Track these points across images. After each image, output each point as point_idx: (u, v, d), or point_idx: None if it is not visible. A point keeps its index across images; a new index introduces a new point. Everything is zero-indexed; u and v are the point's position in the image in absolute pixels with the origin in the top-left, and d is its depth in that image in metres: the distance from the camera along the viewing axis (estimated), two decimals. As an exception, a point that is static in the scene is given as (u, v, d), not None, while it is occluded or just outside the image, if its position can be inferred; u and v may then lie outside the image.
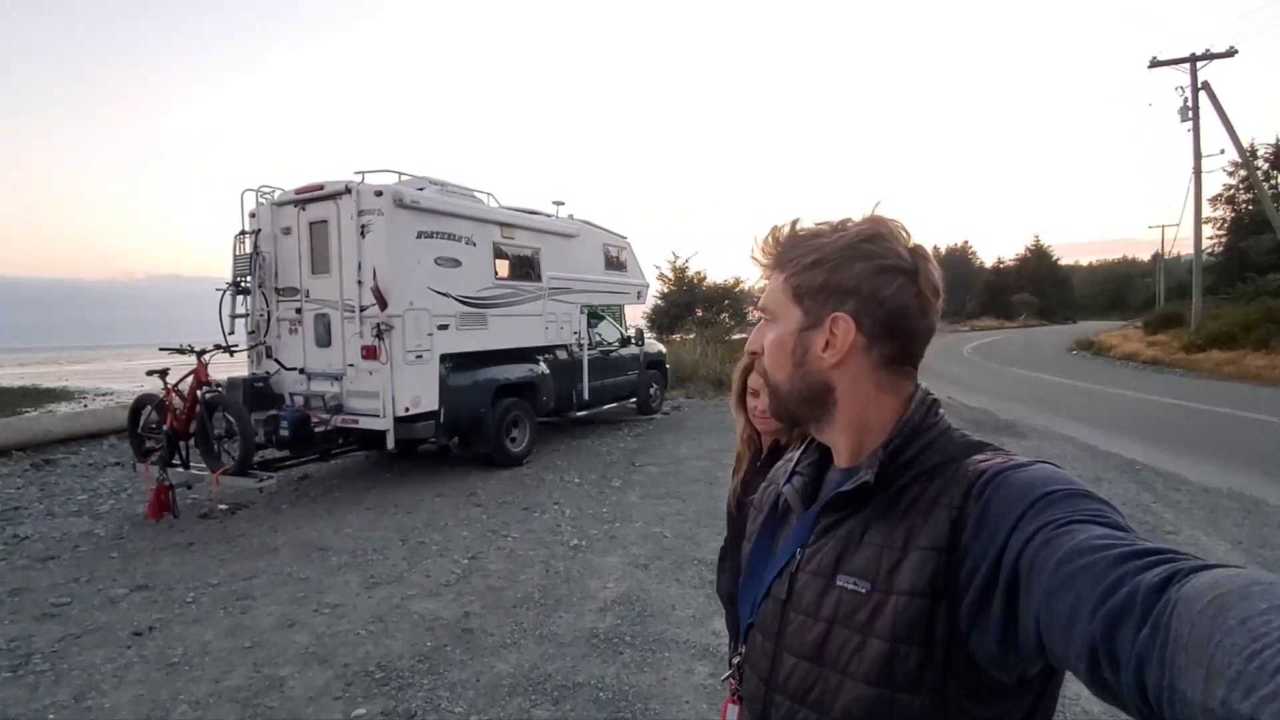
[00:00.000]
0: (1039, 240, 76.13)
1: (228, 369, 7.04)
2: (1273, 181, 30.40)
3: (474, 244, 6.87)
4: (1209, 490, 6.02)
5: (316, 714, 2.82)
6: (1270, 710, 0.35)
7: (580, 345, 8.57)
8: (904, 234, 0.75)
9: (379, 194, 5.96)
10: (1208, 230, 33.67)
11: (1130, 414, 10.57)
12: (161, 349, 5.74)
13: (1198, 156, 20.16)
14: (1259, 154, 30.23)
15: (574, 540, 4.96)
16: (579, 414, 8.91)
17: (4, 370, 27.66)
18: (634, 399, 10.39)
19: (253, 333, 6.69)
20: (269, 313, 6.65)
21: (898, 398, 0.75)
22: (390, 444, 6.09)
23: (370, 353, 5.99)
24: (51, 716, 2.83)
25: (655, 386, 10.86)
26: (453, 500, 6.07)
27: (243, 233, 6.72)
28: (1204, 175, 20.36)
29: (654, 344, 11.71)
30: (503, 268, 7.38)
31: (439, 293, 6.45)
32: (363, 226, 5.98)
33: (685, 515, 5.52)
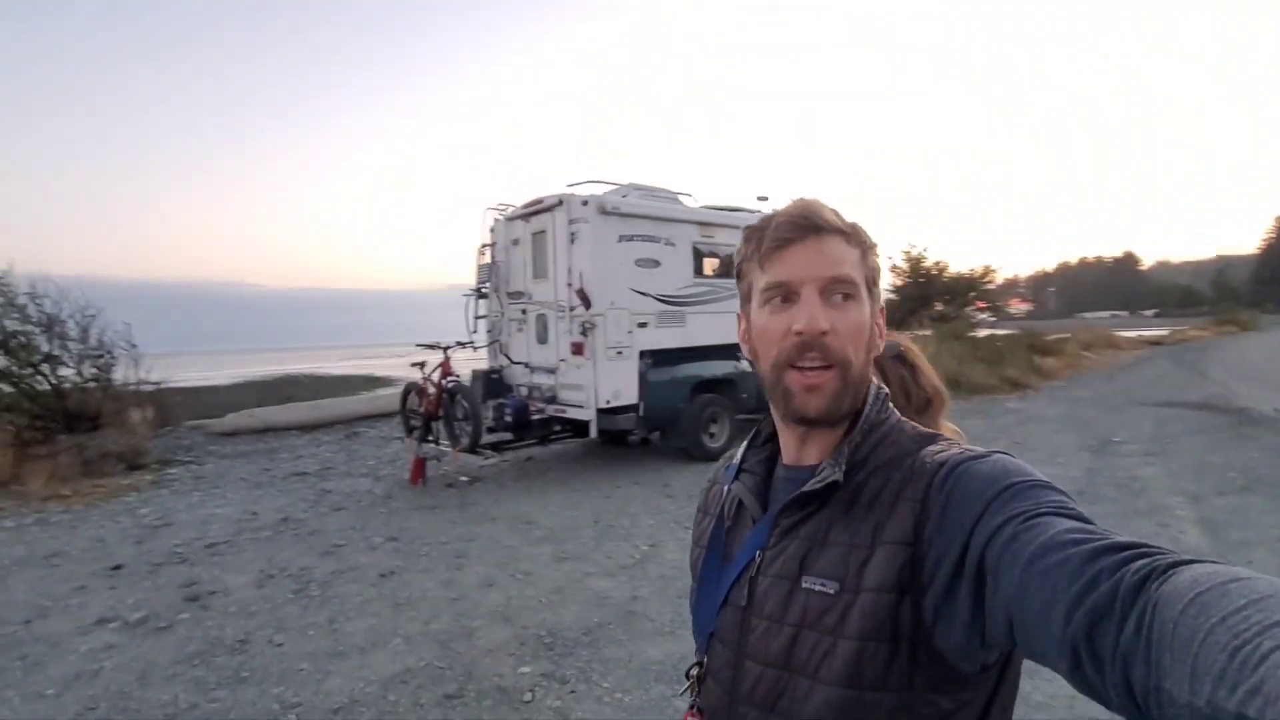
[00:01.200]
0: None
1: (475, 363, 8.27)
2: None
3: (673, 244, 7.12)
4: None
5: (492, 665, 3.22)
6: (1255, 704, 0.35)
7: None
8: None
9: (585, 203, 6.50)
10: None
11: None
12: (418, 345, 6.95)
13: None
14: None
15: (753, 539, 4.90)
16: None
17: (350, 361, 35.56)
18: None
19: (490, 331, 7.75)
20: (502, 314, 7.66)
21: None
22: (593, 433, 6.62)
23: (577, 349, 6.57)
24: (311, 632, 3.63)
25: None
26: (647, 489, 6.39)
27: (483, 245, 7.83)
28: None
29: (892, 341, 10.91)
30: (702, 267, 7.53)
31: (639, 292, 6.83)
32: (572, 234, 6.58)
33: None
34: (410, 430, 7.14)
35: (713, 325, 7.58)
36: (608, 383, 6.57)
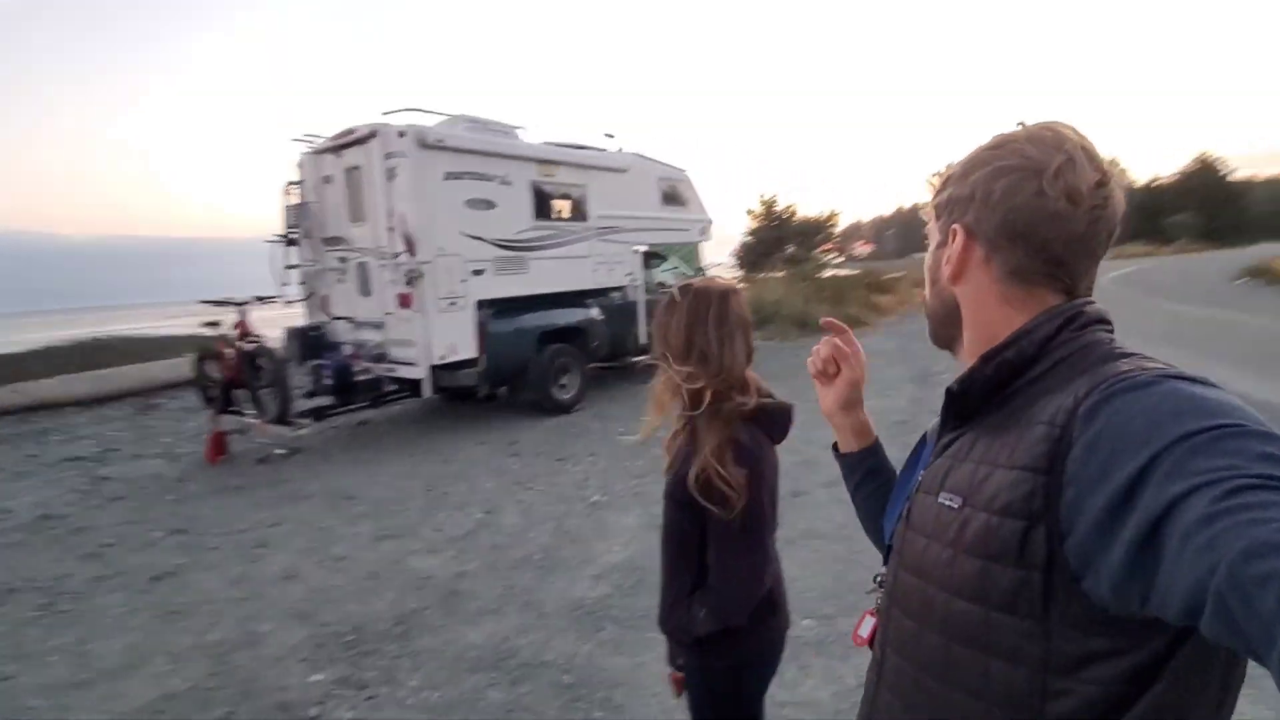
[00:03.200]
0: (1206, 152, 65.56)
1: (290, 320, 7.28)
2: None
3: (509, 184, 6.54)
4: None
5: (277, 677, 2.76)
6: None
7: (636, 286, 8.13)
8: (1051, 136, 0.68)
9: (402, 135, 5.73)
10: None
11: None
12: (203, 302, 5.94)
13: None
14: None
15: (596, 496, 4.70)
16: (637, 359, 8.57)
17: (177, 320, 31.18)
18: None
19: (305, 283, 6.81)
20: (318, 263, 6.73)
21: (1029, 314, 0.69)
22: (427, 392, 6.06)
23: (404, 301, 5.90)
24: (53, 659, 2.95)
25: (725, 329, 10.28)
26: (492, 449, 6.00)
27: (289, 184, 6.78)
28: None
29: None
30: (545, 208, 7.03)
31: (472, 236, 6.23)
32: (390, 170, 5.81)
33: (722, 471, 5.11)
34: (208, 401, 6.17)
35: (560, 271, 7.16)
36: (441, 336, 5.99)
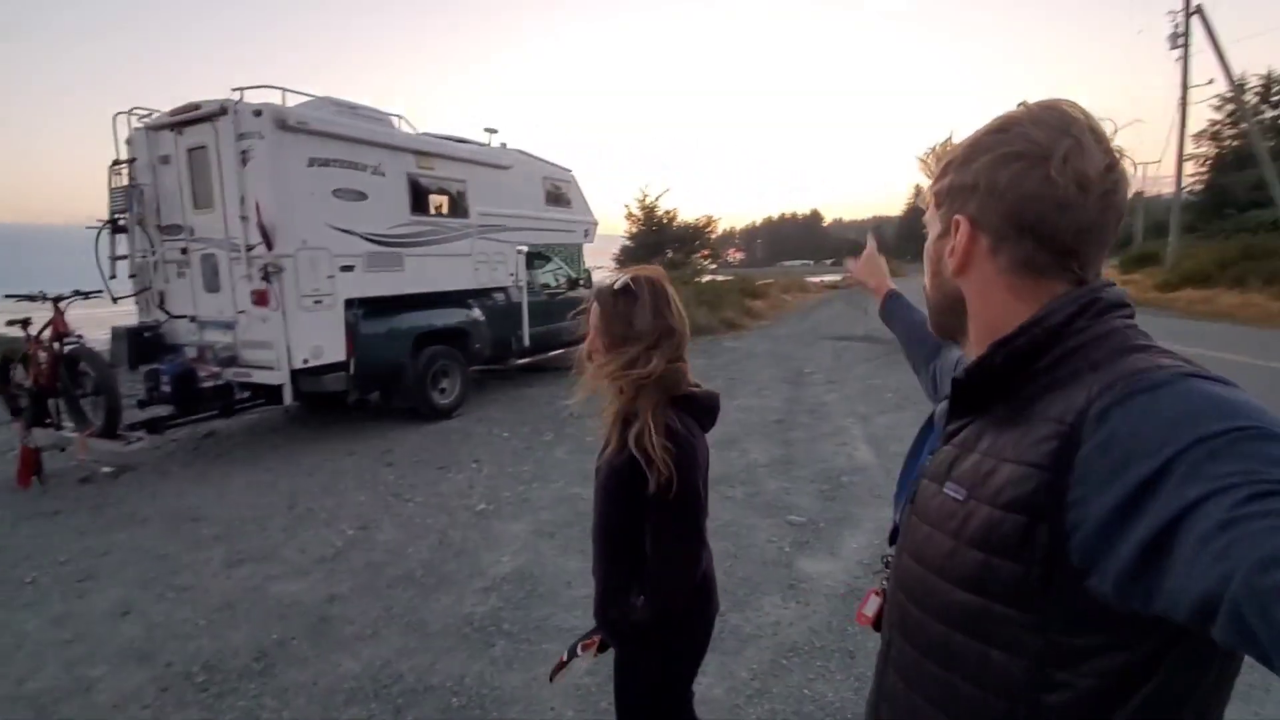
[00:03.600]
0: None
1: (121, 318, 6.36)
2: (1260, 117, 29.68)
3: (383, 174, 6.12)
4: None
5: (108, 732, 2.37)
6: None
7: (519, 287, 7.93)
8: (1056, 117, 0.65)
9: (258, 114, 5.18)
10: (1189, 168, 33.10)
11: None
12: (8, 296, 5.04)
13: (1185, 86, 19.42)
14: (1247, 87, 29.35)
15: (481, 504, 4.51)
16: (520, 362, 8.37)
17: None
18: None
19: (134, 276, 5.98)
20: (154, 254, 5.94)
21: (1039, 306, 0.66)
22: (288, 399, 5.53)
23: (260, 298, 5.34)
24: None
25: (609, 331, 10.29)
26: (364, 459, 5.57)
27: (117, 162, 5.92)
28: (1190, 108, 19.65)
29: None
30: (423, 202, 6.66)
31: (341, 230, 5.76)
32: (243, 153, 5.23)
33: (611, 473, 5.09)
34: (16, 413, 5.24)
35: (437, 269, 6.81)
36: (304, 337, 5.48)
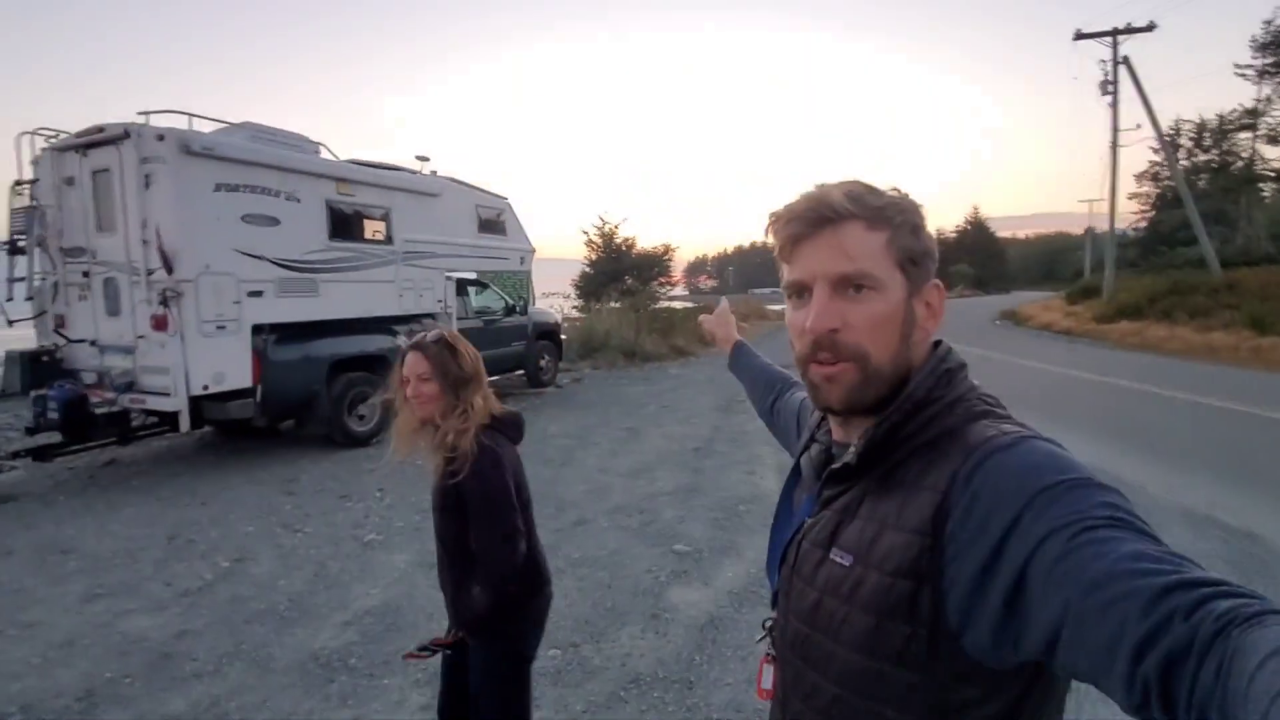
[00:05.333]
0: (978, 212, 77.91)
1: (12, 341, 6.17)
2: (1194, 159, 31.37)
3: (298, 200, 6.10)
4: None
5: (-111, 781, 2.24)
6: None
7: (448, 314, 7.91)
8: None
9: (161, 138, 5.15)
10: (1133, 205, 34.69)
11: (1023, 383, 10.57)
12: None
13: (1115, 130, 20.42)
14: (1180, 132, 31.06)
15: (371, 535, 4.42)
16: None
17: None
18: (521, 370, 9.83)
19: (31, 299, 5.83)
20: (55, 276, 5.80)
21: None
22: (185, 425, 5.38)
23: (158, 323, 5.24)
24: None
25: (547, 358, 10.30)
26: (265, 488, 5.44)
27: (18, 183, 5.81)
28: (1126, 149, 20.72)
29: (548, 312, 11.10)
30: (344, 228, 6.64)
31: (249, 255, 5.70)
32: (146, 176, 5.18)
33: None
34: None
35: (356, 295, 6.77)
36: (204, 363, 5.38)
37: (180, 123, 5.49)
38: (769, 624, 0.86)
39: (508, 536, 1.63)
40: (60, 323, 5.86)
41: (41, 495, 5.27)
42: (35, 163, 5.84)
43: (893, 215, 0.70)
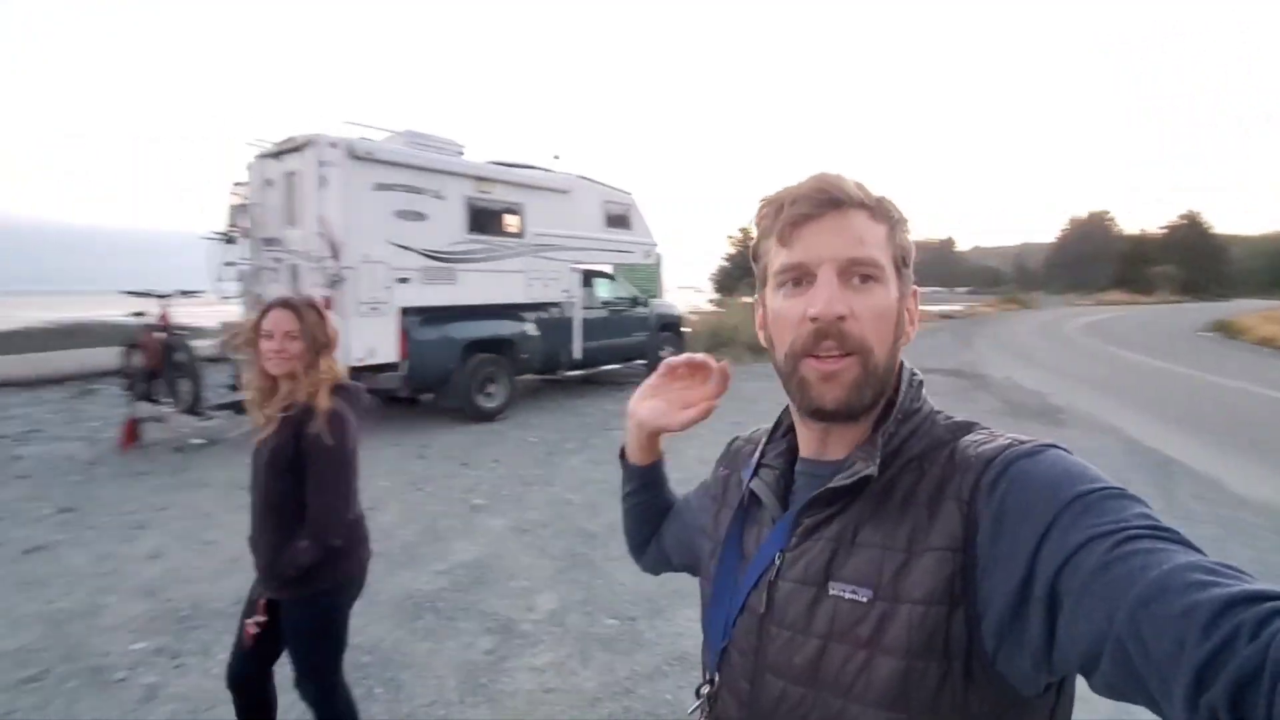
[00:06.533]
0: (1193, 211, 66.92)
1: (226, 315, 7.49)
2: None
3: (442, 198, 6.82)
4: (1244, 502, 5.05)
5: (102, 643, 2.94)
6: None
7: (572, 303, 8.40)
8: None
9: (334, 145, 6.02)
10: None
11: (1210, 405, 9.08)
12: (125, 293, 6.16)
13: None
14: None
15: (478, 500, 4.91)
16: (571, 374, 8.81)
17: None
18: (643, 360, 10.15)
19: (242, 280, 7.05)
20: (257, 262, 6.98)
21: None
22: (343, 392, 6.25)
23: (327, 303, 6.13)
24: (-98, 617, 3.13)
25: (668, 349, 10.53)
26: (402, 450, 6.20)
27: (236, 184, 7.04)
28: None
29: (672, 305, 11.33)
30: (480, 223, 7.30)
31: (400, 246, 6.49)
32: (321, 178, 6.08)
33: (609, 484, 5.32)
34: (130, 388, 6.37)
35: (488, 284, 7.41)
36: (360, 339, 6.22)
37: (352, 130, 6.37)
38: (706, 691, 0.73)
39: (345, 496, 1.81)
40: (258, 300, 7.03)
41: (236, 441, 6.39)
42: (248, 167, 7.05)
43: (892, 211, 0.68)
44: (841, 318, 0.62)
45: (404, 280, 6.56)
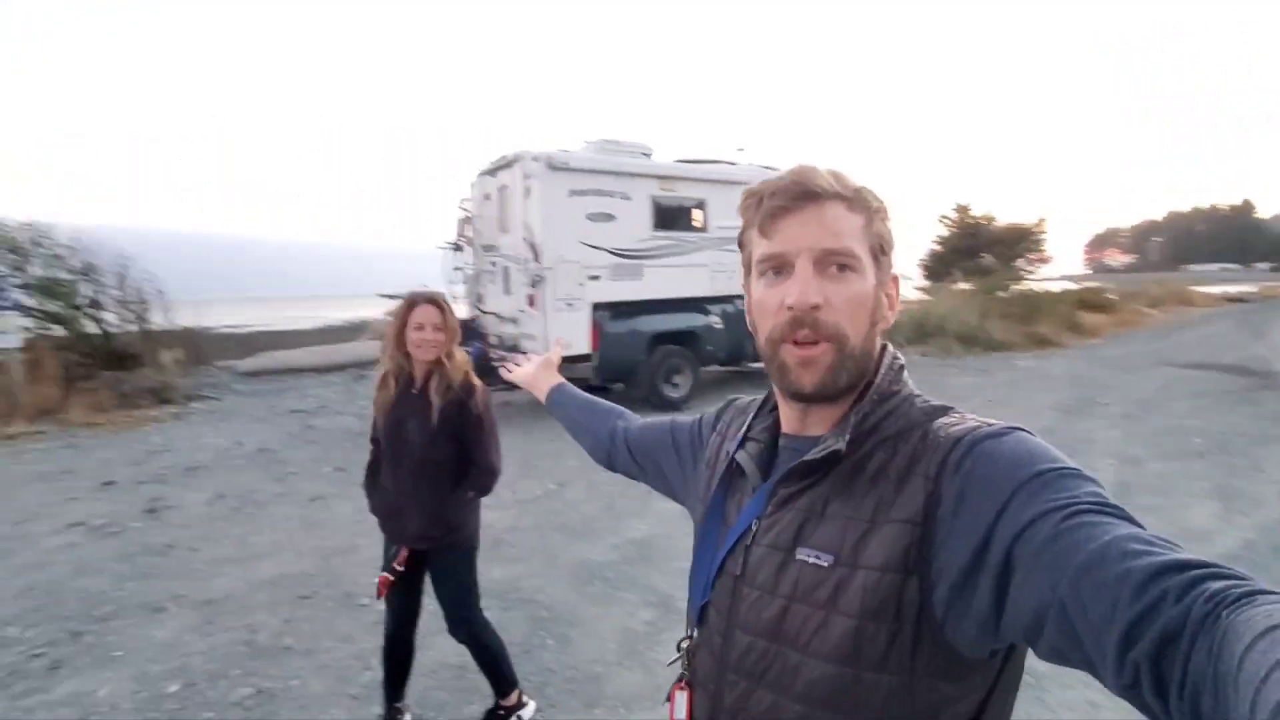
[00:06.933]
0: None
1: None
2: None
3: (629, 198, 7.25)
4: None
5: (356, 575, 3.69)
6: None
7: (757, 296, 8.38)
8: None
9: (536, 159, 6.71)
10: None
11: None
12: (380, 295, 7.45)
13: None
14: None
15: (655, 483, 5.19)
16: (755, 365, 8.81)
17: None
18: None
19: (467, 283, 8.18)
20: (478, 266, 8.05)
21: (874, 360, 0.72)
22: (543, 381, 6.97)
23: (530, 300, 6.89)
24: (226, 542, 4.22)
25: (863, 341, 10.01)
26: (593, 435, 6.75)
27: (463, 200, 8.18)
28: None
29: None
30: (665, 220, 7.62)
31: (591, 246, 7.04)
32: (526, 189, 6.83)
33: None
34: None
35: (673, 278, 7.72)
36: (557, 332, 6.88)
37: (553, 144, 7.05)
38: (685, 645, 0.79)
39: (500, 455, 2.22)
40: (479, 299, 8.11)
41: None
42: (471, 185, 8.14)
43: (870, 201, 0.70)
44: (816, 307, 0.66)
45: (595, 277, 7.11)
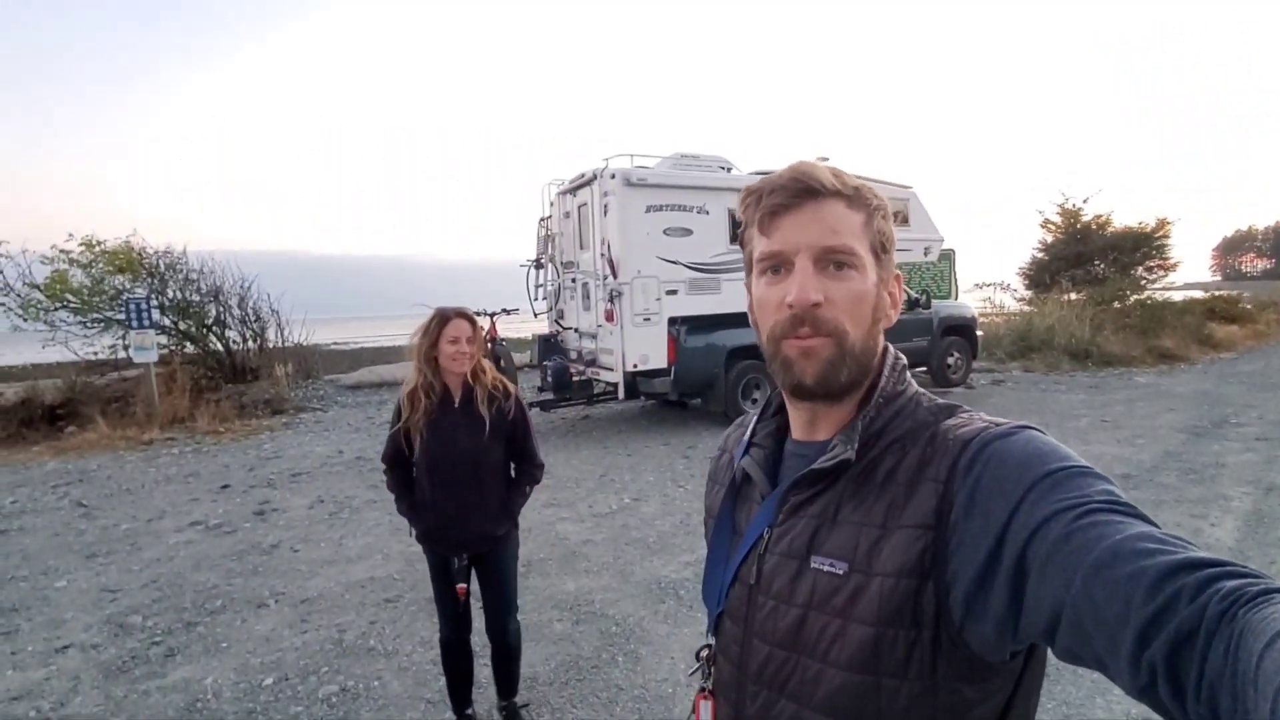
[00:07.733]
0: None
1: (537, 328, 8.99)
2: None
3: (706, 212, 7.22)
4: None
5: (359, 599, 3.83)
6: None
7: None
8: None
9: (613, 177, 6.82)
10: None
11: None
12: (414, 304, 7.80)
13: None
14: None
15: (732, 500, 5.09)
16: (840, 380, 8.51)
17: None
18: (924, 367, 9.31)
19: (548, 299, 8.39)
20: (559, 283, 8.25)
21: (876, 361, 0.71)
22: (622, 394, 7.04)
23: (608, 315, 6.98)
24: (323, 544, 4.49)
25: (956, 355, 9.47)
26: (671, 449, 6.72)
27: (542, 219, 8.43)
28: None
29: (962, 306, 10.11)
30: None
31: (668, 261, 7.05)
32: (605, 206, 6.94)
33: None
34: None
35: (753, 292, 7.60)
36: (635, 347, 6.93)
37: (629, 161, 7.15)
38: (705, 654, 0.78)
39: (538, 443, 2.42)
40: (560, 315, 8.30)
41: (542, 434, 7.64)
42: (551, 203, 8.38)
43: (869, 199, 0.69)
44: (816, 304, 0.65)
45: (672, 292, 7.12)
